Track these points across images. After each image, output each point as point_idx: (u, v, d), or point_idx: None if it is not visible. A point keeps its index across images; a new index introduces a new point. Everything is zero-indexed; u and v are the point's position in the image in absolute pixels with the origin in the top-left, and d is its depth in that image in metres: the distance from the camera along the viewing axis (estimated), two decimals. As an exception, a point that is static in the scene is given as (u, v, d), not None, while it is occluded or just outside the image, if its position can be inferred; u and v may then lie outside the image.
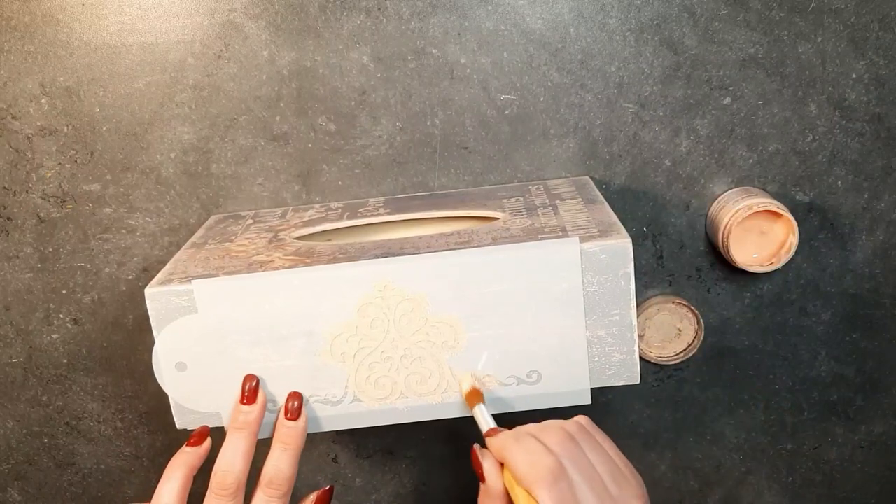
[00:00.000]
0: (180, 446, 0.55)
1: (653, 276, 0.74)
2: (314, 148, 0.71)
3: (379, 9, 0.68)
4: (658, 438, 0.79)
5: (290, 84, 0.69)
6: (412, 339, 0.55)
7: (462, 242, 0.56)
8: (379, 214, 0.67)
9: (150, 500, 0.53)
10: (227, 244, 0.63)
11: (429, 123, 0.70)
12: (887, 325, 0.75)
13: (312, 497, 0.58)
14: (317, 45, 0.69)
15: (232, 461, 0.53)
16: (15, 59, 0.69)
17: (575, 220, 0.58)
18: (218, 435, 0.56)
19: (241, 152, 0.71)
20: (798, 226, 0.67)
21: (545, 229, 0.57)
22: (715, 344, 0.76)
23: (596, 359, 0.56)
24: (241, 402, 0.56)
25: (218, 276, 0.56)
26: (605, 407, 0.78)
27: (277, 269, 0.56)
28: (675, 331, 0.73)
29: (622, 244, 0.54)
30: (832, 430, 0.79)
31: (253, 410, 0.56)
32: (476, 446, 0.53)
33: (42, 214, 0.72)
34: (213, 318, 0.55)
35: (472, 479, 0.53)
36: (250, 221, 0.68)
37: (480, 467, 0.51)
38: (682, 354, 0.74)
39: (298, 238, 0.63)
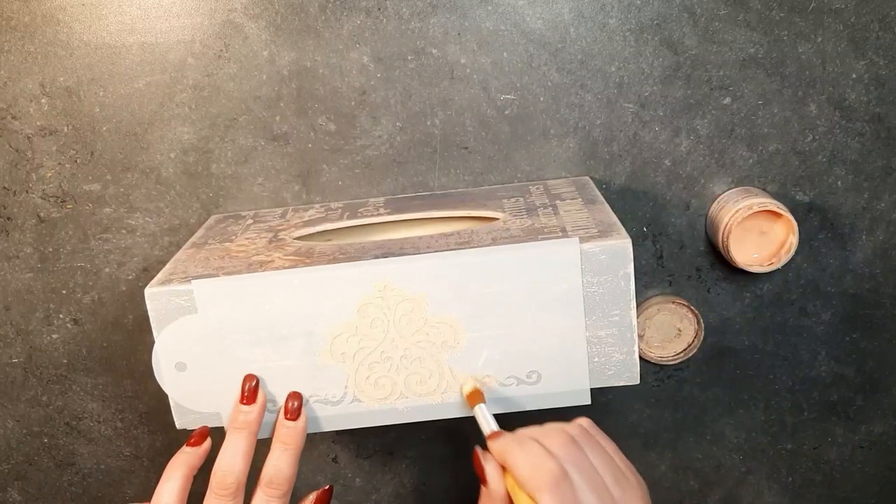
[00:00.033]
0: (180, 446, 0.55)
1: (653, 276, 0.74)
2: (314, 148, 0.71)
3: (379, 9, 0.68)
4: (658, 438, 0.79)
5: (290, 84, 0.69)
6: (412, 339, 0.55)
7: (462, 243, 0.56)
8: (379, 214, 0.67)
9: (150, 500, 0.53)
10: (227, 244, 0.63)
11: (429, 123, 0.70)
12: (887, 325, 0.75)
13: (312, 497, 0.58)
14: (317, 45, 0.69)
15: (232, 461, 0.53)
16: (15, 59, 0.69)
17: (575, 221, 0.58)
18: (218, 435, 0.56)
19: (241, 152, 0.71)
20: (798, 226, 0.67)
21: (545, 229, 0.57)
22: (715, 344, 0.76)
23: (596, 359, 0.56)
24: (241, 402, 0.56)
25: (218, 276, 0.56)
26: (605, 407, 0.78)
27: (277, 269, 0.56)
28: (675, 331, 0.73)
29: (622, 244, 0.54)
30: (832, 430, 0.79)
31: (253, 410, 0.56)
32: (478, 449, 0.52)
33: (42, 214, 0.72)
34: (213, 318, 0.55)
35: (472, 480, 0.53)
36: (250, 221, 0.68)
37: (482, 470, 0.51)
38: (682, 354, 0.74)
39: (298, 238, 0.63)
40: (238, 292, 0.55)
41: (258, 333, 0.55)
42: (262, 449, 0.55)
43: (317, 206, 0.71)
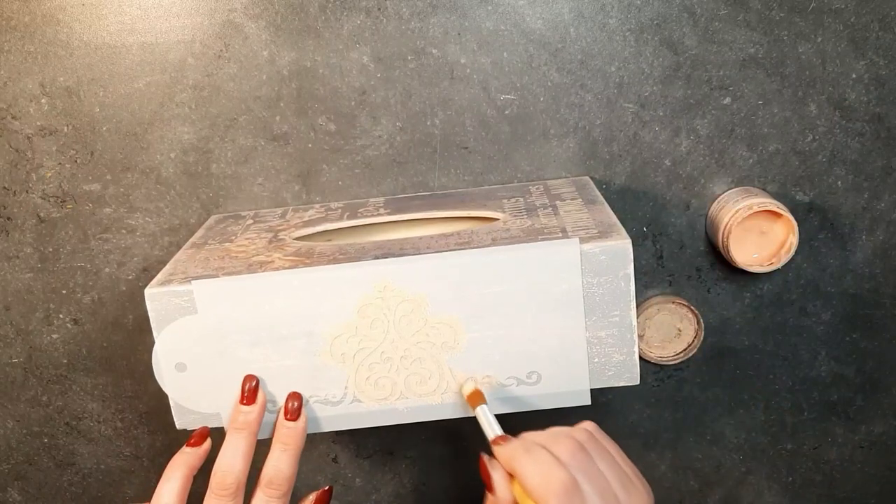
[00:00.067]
0: (180, 446, 0.55)
1: (653, 276, 0.74)
2: (314, 148, 0.71)
3: (379, 9, 0.68)
4: (658, 438, 0.79)
5: (290, 84, 0.69)
6: (412, 339, 0.55)
7: (462, 243, 0.56)
8: (379, 214, 0.67)
9: (150, 500, 0.53)
10: (227, 244, 0.63)
11: (429, 123, 0.70)
12: (887, 325, 0.75)
13: (312, 497, 0.58)
14: (317, 45, 0.69)
15: (232, 461, 0.53)
16: (15, 59, 0.69)
17: (575, 221, 0.58)
18: (218, 435, 0.56)
19: (241, 152, 0.71)
20: (798, 226, 0.67)
21: (545, 230, 0.57)
22: (715, 344, 0.76)
23: (596, 359, 0.56)
24: (241, 402, 0.56)
25: (218, 276, 0.56)
26: (605, 407, 0.78)
27: (277, 269, 0.56)
28: (675, 331, 0.73)
29: (622, 245, 0.54)
30: (832, 430, 0.79)
31: (253, 410, 0.56)
32: (484, 455, 0.52)
33: (42, 214, 0.72)
34: (212, 319, 0.55)
35: (472, 480, 0.53)
36: (250, 221, 0.68)
37: (489, 478, 0.50)
38: (682, 354, 0.74)
39: (298, 238, 0.63)
40: (238, 293, 0.55)
41: (258, 334, 0.55)
42: (262, 449, 0.55)
43: (317, 206, 0.71)
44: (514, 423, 0.53)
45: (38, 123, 0.70)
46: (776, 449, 0.79)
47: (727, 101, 0.70)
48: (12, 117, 0.70)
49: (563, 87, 0.69)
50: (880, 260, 0.73)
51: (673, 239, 0.73)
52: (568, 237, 0.55)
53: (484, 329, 0.55)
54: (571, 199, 0.64)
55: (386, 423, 0.58)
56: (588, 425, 0.53)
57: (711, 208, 0.72)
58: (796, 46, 0.68)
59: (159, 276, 0.57)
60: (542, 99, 0.70)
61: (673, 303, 0.72)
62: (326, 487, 0.59)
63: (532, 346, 0.56)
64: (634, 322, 0.55)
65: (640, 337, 0.73)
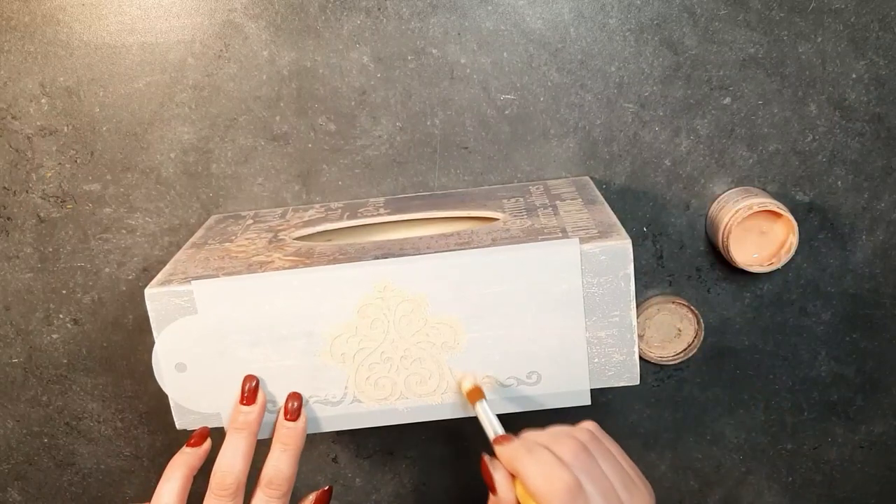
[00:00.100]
0: (180, 446, 0.55)
1: (653, 276, 0.74)
2: (314, 148, 0.71)
3: (379, 9, 0.68)
4: (658, 438, 0.79)
5: (290, 84, 0.69)
6: (412, 339, 0.55)
7: (462, 243, 0.56)
8: (379, 214, 0.67)
9: (150, 500, 0.53)
10: (227, 244, 0.63)
11: (429, 123, 0.70)
12: (887, 325, 0.75)
13: (311, 497, 0.58)
14: (317, 45, 0.69)
15: (231, 461, 0.53)
16: (15, 59, 0.69)
17: (575, 221, 0.58)
18: (218, 435, 0.56)
19: (241, 152, 0.71)
20: (798, 226, 0.67)
21: (545, 230, 0.57)
22: (715, 344, 0.76)
23: (596, 359, 0.56)
24: (241, 402, 0.56)
25: (218, 276, 0.56)
26: (605, 407, 0.78)
27: (277, 269, 0.56)
28: (675, 331, 0.73)
29: (622, 245, 0.54)
30: (832, 430, 0.79)
31: (253, 411, 0.56)
32: (486, 455, 0.51)
33: (42, 214, 0.72)
34: (212, 319, 0.55)
35: (472, 480, 0.53)
36: (250, 221, 0.68)
37: (491, 478, 0.50)
38: (682, 354, 0.74)
39: (298, 238, 0.63)
40: (238, 293, 0.55)
41: (258, 334, 0.55)
42: (262, 449, 0.55)
43: (317, 206, 0.71)
44: (515, 423, 0.53)
45: (38, 123, 0.70)
46: (776, 449, 0.79)
47: (727, 101, 0.70)
48: (12, 117, 0.70)
49: (563, 87, 0.69)
50: (880, 260, 0.73)
51: (673, 239, 0.73)
52: (568, 237, 0.55)
53: (484, 329, 0.55)
54: (571, 199, 0.64)
55: (386, 423, 0.58)
56: (589, 425, 0.53)
57: (711, 208, 0.72)
58: (796, 46, 0.68)
59: (159, 276, 0.57)
60: (542, 99, 0.70)
61: (673, 303, 0.72)
62: (326, 487, 0.59)
63: (532, 346, 0.56)
64: (634, 322, 0.55)
65: (640, 337, 0.73)
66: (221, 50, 0.69)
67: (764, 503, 0.81)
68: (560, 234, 0.56)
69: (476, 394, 0.55)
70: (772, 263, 0.69)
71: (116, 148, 0.71)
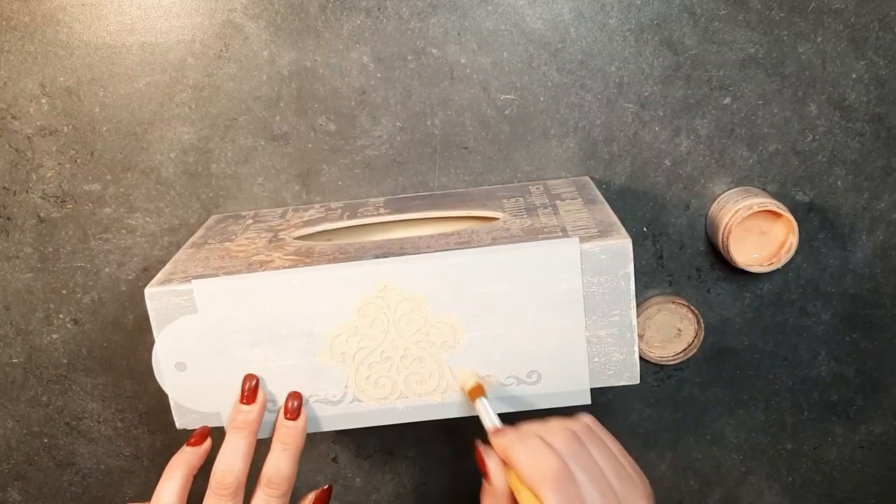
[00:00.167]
0: (180, 446, 0.55)
1: (653, 276, 0.74)
2: (314, 148, 0.71)
3: (379, 9, 0.68)
4: (658, 438, 0.79)
5: (290, 84, 0.69)
6: (412, 339, 0.55)
7: (462, 243, 0.56)
8: (379, 214, 0.67)
9: (150, 500, 0.53)
10: (227, 244, 0.63)
11: (429, 123, 0.70)
12: (887, 325, 0.75)
13: (311, 497, 0.58)
14: (317, 45, 0.69)
15: (231, 461, 0.53)
16: (15, 59, 0.69)
17: (575, 221, 0.58)
18: (218, 435, 0.56)
19: (241, 152, 0.71)
20: (798, 226, 0.67)
21: (545, 229, 0.57)
22: (715, 344, 0.76)
23: (596, 359, 0.56)
24: (241, 401, 0.56)
25: (218, 276, 0.56)
26: (605, 407, 0.78)
27: (277, 269, 0.56)
28: (675, 331, 0.73)
29: (622, 244, 0.54)
30: (832, 430, 0.79)
31: (252, 410, 0.56)
32: (479, 443, 0.52)
33: (42, 214, 0.72)
34: (212, 318, 0.55)
35: (472, 480, 0.53)
36: (250, 221, 0.68)
37: (485, 466, 0.51)
38: (682, 354, 0.74)
39: (298, 238, 0.63)
40: (238, 292, 0.55)
41: (258, 333, 0.55)
42: (262, 449, 0.55)
43: (317, 206, 0.71)
44: (515, 423, 0.53)
45: (38, 123, 0.70)
46: (776, 449, 0.79)
47: (727, 101, 0.70)
48: (12, 117, 0.70)
49: (563, 87, 0.69)
50: (880, 260, 0.73)
51: (673, 239, 0.73)
52: (568, 236, 0.55)
53: (484, 328, 0.55)
54: (571, 199, 0.64)
55: (386, 422, 0.58)
56: (586, 418, 0.54)
57: (711, 208, 0.72)
58: (796, 46, 0.68)
59: (159, 276, 0.57)
60: (542, 99, 0.70)
61: (673, 303, 0.72)
62: (326, 487, 0.59)
63: (532, 345, 0.56)
64: (634, 321, 0.55)
65: (640, 337, 0.73)
66: (221, 50, 0.69)
67: (764, 503, 0.81)
68: (560, 234, 0.56)
69: (477, 391, 0.55)
70: (772, 263, 0.69)
71: (116, 148, 0.71)
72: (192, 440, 0.55)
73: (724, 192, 0.71)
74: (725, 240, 0.68)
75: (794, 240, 0.68)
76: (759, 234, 0.69)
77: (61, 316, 0.75)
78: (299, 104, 0.70)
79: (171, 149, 0.71)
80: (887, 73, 0.69)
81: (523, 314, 0.55)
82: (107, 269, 0.74)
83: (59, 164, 0.71)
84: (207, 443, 0.55)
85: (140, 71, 0.69)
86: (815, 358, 0.76)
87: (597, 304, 0.55)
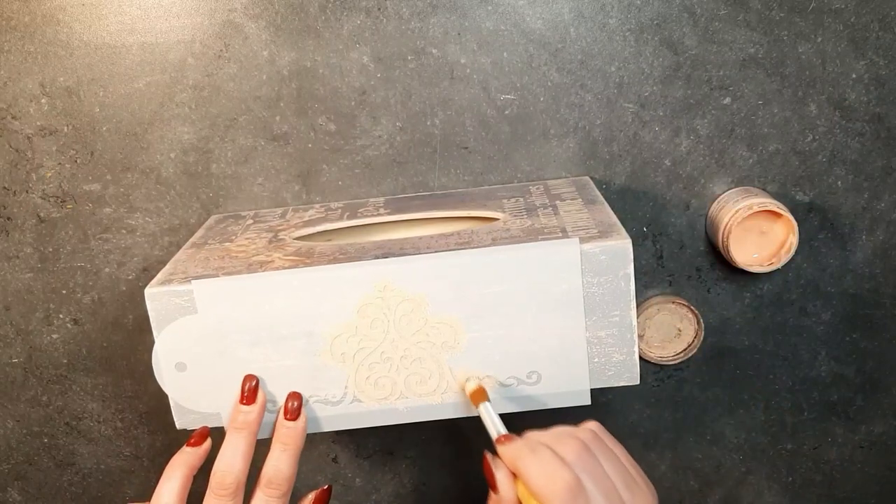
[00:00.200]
0: (180, 446, 0.55)
1: (653, 276, 0.74)
2: (314, 148, 0.71)
3: (379, 9, 0.68)
4: (658, 438, 0.79)
5: (290, 84, 0.69)
6: (412, 339, 0.55)
7: (462, 243, 0.56)
8: (379, 214, 0.67)
9: (150, 500, 0.53)
10: (227, 244, 0.63)
11: (429, 123, 0.70)
12: (887, 325, 0.75)
13: (311, 497, 0.58)
14: (317, 45, 0.69)
15: (231, 461, 0.53)
16: (15, 59, 0.69)
17: (575, 221, 0.58)
18: (218, 435, 0.56)
19: (241, 152, 0.71)
20: (798, 226, 0.67)
21: (545, 230, 0.57)
22: (715, 344, 0.76)
23: (596, 359, 0.56)
24: (241, 402, 0.56)
25: (218, 276, 0.56)
26: (605, 407, 0.78)
27: (277, 269, 0.56)
28: (675, 331, 0.73)
29: (622, 245, 0.54)
30: (832, 430, 0.79)
31: (252, 410, 0.56)
32: (487, 454, 0.51)
33: (42, 214, 0.72)
34: (212, 319, 0.55)
35: (472, 480, 0.53)
36: (250, 221, 0.68)
37: (493, 477, 0.50)
38: (682, 354, 0.74)
39: (298, 238, 0.63)
40: (238, 292, 0.55)
41: (258, 333, 0.55)
42: (262, 449, 0.55)
43: (317, 206, 0.71)
44: (515, 423, 0.53)
45: (38, 123, 0.70)
46: (776, 449, 0.79)
47: (727, 101, 0.70)
48: (12, 117, 0.70)
49: (563, 87, 0.69)
50: (880, 260, 0.73)
51: (673, 239, 0.73)
52: (568, 237, 0.55)
53: (484, 329, 0.55)
54: (571, 199, 0.64)
55: (386, 423, 0.58)
56: (593, 425, 0.53)
57: (711, 208, 0.72)
58: (796, 46, 0.68)
59: (159, 276, 0.57)
60: (542, 99, 0.70)
61: (673, 303, 0.72)
62: (325, 487, 0.59)
63: (532, 345, 0.56)
64: (634, 322, 0.55)
65: (640, 337, 0.73)
66: (221, 50, 0.69)
67: (764, 503, 0.81)
68: (560, 234, 0.56)
69: (480, 395, 0.55)
70: (772, 263, 0.69)
71: (116, 148, 0.71)
72: (192, 440, 0.55)
73: (724, 192, 0.71)
74: (725, 240, 0.68)
75: (794, 240, 0.68)
76: (759, 234, 0.69)
77: (61, 316, 0.75)
78: (299, 104, 0.70)
79: (171, 149, 0.71)
80: (887, 73, 0.69)
81: (523, 315, 0.55)
82: (107, 269, 0.74)
83: (59, 164, 0.71)
84: (207, 443, 0.55)
85: (140, 71, 0.69)
86: (815, 358, 0.76)
87: (597, 304, 0.55)
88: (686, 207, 0.72)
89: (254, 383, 0.56)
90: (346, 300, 0.55)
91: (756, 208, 0.66)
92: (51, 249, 0.73)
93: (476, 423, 0.54)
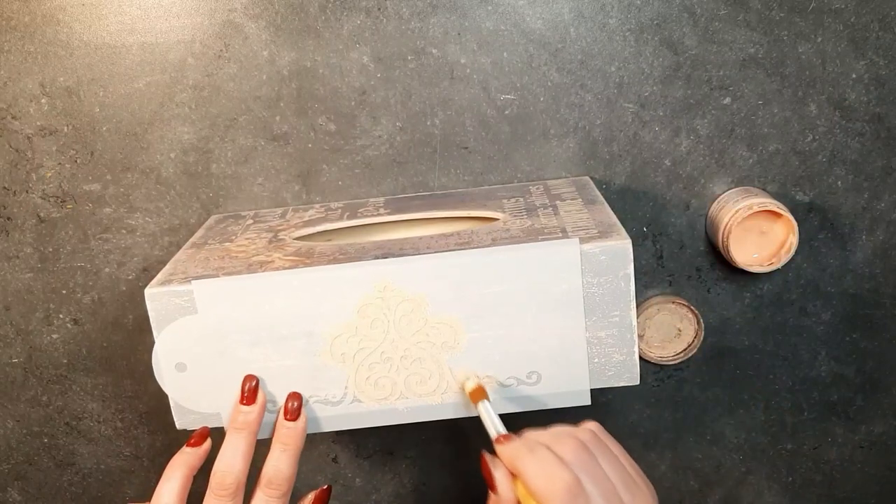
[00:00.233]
0: (180, 446, 0.55)
1: (653, 276, 0.74)
2: (314, 148, 0.71)
3: (379, 9, 0.68)
4: (658, 438, 0.79)
5: (290, 84, 0.69)
6: (412, 339, 0.55)
7: (462, 243, 0.56)
8: (379, 214, 0.67)
9: (150, 500, 0.53)
10: (227, 244, 0.63)
11: (429, 123, 0.70)
12: (887, 325, 0.75)
13: (311, 497, 0.58)
14: (317, 45, 0.69)
15: (231, 461, 0.53)
16: (15, 59, 0.69)
17: (575, 221, 0.58)
18: (218, 435, 0.56)
19: (241, 152, 0.71)
20: (798, 226, 0.67)
21: (545, 230, 0.57)
22: (715, 344, 0.76)
23: (596, 359, 0.56)
24: (241, 402, 0.56)
25: (218, 276, 0.56)
26: (605, 407, 0.78)
27: (277, 269, 0.56)
28: (675, 331, 0.73)
29: (622, 245, 0.54)
30: (832, 430, 0.79)
31: (252, 410, 0.56)
32: (486, 453, 0.51)
33: (42, 214, 0.72)
34: (212, 319, 0.55)
35: (472, 480, 0.53)
36: (250, 221, 0.68)
37: (492, 477, 0.50)
38: (682, 354, 0.74)
39: (298, 238, 0.63)
40: (238, 292, 0.55)
41: (258, 333, 0.55)
42: (262, 449, 0.55)
43: (317, 206, 0.71)
44: (515, 423, 0.53)
45: (38, 123, 0.70)
46: (776, 449, 0.79)
47: (727, 101, 0.70)
48: (12, 117, 0.70)
49: (563, 87, 0.69)
50: (880, 260, 0.73)
51: (673, 239, 0.73)
52: (568, 237, 0.55)
53: (484, 329, 0.55)
54: (571, 199, 0.64)
55: (386, 423, 0.58)
56: (592, 425, 0.53)
57: (711, 208, 0.72)
58: (796, 46, 0.68)
59: (159, 276, 0.57)
60: (542, 99, 0.70)
61: (673, 303, 0.72)
62: (325, 487, 0.59)
63: (532, 346, 0.56)
64: (634, 322, 0.55)
65: (640, 337, 0.73)
66: (221, 50, 0.69)
67: (764, 503, 0.81)
68: (560, 234, 0.56)
69: (479, 394, 0.55)
70: (772, 263, 0.69)
71: (116, 148, 0.71)
72: (192, 441, 0.55)
73: (724, 192, 0.71)
74: (725, 240, 0.68)
75: (794, 240, 0.68)
76: (759, 234, 0.69)
77: (61, 316, 0.75)
78: (299, 104, 0.70)
79: (171, 149, 0.71)
80: (887, 73, 0.69)
81: (523, 315, 0.55)
82: (107, 269, 0.74)
83: (59, 164, 0.71)
84: (207, 443, 0.55)
85: (140, 71, 0.69)
86: (815, 358, 0.76)
87: (597, 304, 0.55)
88: (686, 207, 0.72)
89: (254, 383, 0.56)
90: (346, 300, 0.55)
91: (756, 208, 0.66)
92: (51, 249, 0.73)
93: (476, 423, 0.54)
